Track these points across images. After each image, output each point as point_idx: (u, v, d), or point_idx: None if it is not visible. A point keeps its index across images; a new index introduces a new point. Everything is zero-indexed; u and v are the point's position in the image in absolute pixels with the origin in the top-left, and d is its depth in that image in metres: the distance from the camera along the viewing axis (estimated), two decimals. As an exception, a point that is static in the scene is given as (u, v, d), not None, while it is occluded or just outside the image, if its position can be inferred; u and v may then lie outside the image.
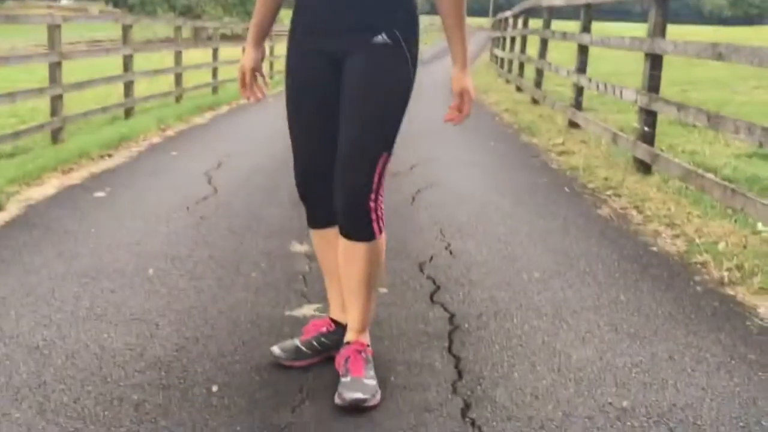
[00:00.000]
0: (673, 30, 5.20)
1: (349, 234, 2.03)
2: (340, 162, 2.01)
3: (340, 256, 2.08)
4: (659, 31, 4.91)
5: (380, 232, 2.03)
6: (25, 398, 1.97)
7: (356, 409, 1.91)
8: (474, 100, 2.15)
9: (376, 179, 1.99)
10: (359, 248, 2.02)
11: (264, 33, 2.25)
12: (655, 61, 4.97)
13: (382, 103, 2.02)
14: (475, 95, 2.12)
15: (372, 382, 2.00)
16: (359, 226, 2.00)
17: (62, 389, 2.02)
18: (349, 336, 2.11)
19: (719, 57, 3.90)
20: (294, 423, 1.87)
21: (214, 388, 2.04)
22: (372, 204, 1.99)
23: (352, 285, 2.07)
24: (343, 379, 1.99)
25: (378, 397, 1.97)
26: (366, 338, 2.12)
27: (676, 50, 4.60)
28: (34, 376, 2.09)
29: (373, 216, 2.00)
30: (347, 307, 2.12)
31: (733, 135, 3.76)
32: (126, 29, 8.23)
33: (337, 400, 1.95)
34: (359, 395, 1.93)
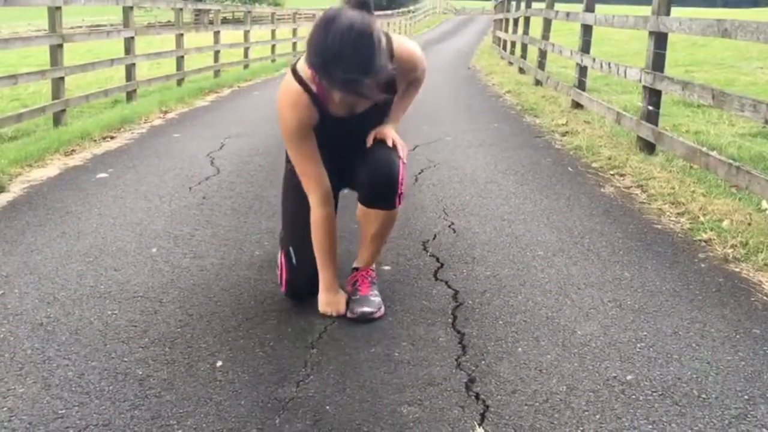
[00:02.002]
0: (677, 12, 5.15)
1: (376, 206, 2.31)
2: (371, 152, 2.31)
3: (362, 215, 2.37)
4: (664, 10, 4.87)
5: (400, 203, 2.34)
6: (29, 374, 1.97)
7: (365, 320, 2.28)
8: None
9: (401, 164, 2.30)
10: (381, 213, 2.32)
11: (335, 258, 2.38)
12: (659, 40, 4.93)
13: None
14: (396, 140, 2.31)
15: (377, 298, 2.36)
16: (388, 202, 2.29)
17: (66, 365, 2.02)
18: (358, 264, 2.44)
19: (724, 33, 3.87)
20: (298, 397, 1.87)
21: (219, 363, 2.04)
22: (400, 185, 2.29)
23: (369, 235, 2.37)
24: (352, 297, 2.36)
25: (382, 310, 2.35)
26: (372, 266, 2.45)
27: (681, 28, 4.56)
28: (39, 352, 2.09)
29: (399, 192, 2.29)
30: (362, 245, 2.42)
31: (739, 112, 3.72)
32: (127, 11, 8.19)
33: (348, 315, 2.31)
34: (367, 309, 2.30)
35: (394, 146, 2.29)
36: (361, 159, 2.30)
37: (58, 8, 6.32)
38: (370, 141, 2.29)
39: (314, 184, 2.25)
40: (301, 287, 2.40)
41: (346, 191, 2.52)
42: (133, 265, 2.82)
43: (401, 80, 2.28)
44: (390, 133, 2.32)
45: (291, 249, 2.38)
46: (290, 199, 2.42)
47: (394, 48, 2.16)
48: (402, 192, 2.29)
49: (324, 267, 2.33)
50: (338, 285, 2.37)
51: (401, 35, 2.39)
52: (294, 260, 2.37)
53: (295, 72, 2.16)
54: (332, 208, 2.30)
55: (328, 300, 2.34)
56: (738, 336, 2.26)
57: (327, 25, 1.88)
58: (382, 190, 2.26)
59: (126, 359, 2.06)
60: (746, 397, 1.90)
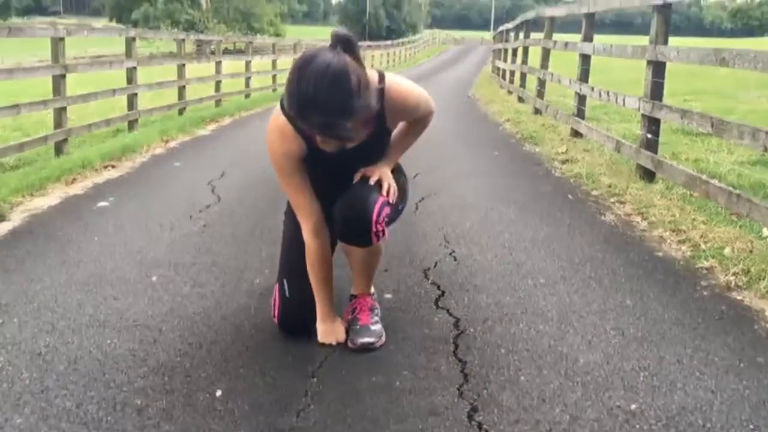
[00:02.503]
0: (675, 42, 5.20)
1: (350, 243, 2.29)
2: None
3: (344, 246, 2.35)
4: (662, 39, 4.91)
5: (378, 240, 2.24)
6: (27, 404, 1.95)
7: (367, 350, 2.27)
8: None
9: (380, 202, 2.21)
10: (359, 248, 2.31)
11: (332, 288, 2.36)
12: (657, 69, 4.96)
13: None
14: (384, 178, 2.26)
15: (377, 327, 2.35)
16: (362, 240, 2.22)
17: (64, 395, 2.00)
18: (354, 291, 2.44)
19: (722, 62, 3.90)
20: (299, 427, 1.85)
21: (218, 393, 2.02)
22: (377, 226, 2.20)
23: (356, 265, 2.39)
24: (352, 327, 2.34)
25: (383, 338, 2.33)
26: (370, 291, 2.46)
27: (678, 57, 4.59)
28: (37, 381, 2.08)
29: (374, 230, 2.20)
30: (353, 274, 2.43)
31: (738, 140, 3.74)
32: (129, 42, 8.27)
33: (349, 345, 2.29)
34: (367, 339, 2.29)
35: (379, 184, 2.23)
36: (344, 192, 2.29)
37: (62, 39, 6.38)
38: (356, 178, 2.25)
39: (305, 214, 2.23)
40: (293, 319, 2.38)
41: None
42: (132, 293, 2.81)
43: (394, 120, 2.23)
44: (378, 171, 2.25)
45: (285, 281, 2.37)
46: (286, 231, 2.43)
47: (385, 88, 2.11)
48: (379, 229, 2.18)
49: (320, 296, 2.31)
50: (335, 313, 2.36)
51: (400, 76, 2.31)
52: (287, 292, 2.35)
53: (282, 105, 2.11)
54: (326, 238, 2.27)
55: (326, 329, 2.33)
56: (742, 364, 2.24)
57: (302, 68, 1.83)
58: (354, 225, 2.19)
59: (125, 389, 2.04)
60: (751, 426, 1.88)
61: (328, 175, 2.25)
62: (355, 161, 2.25)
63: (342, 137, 1.92)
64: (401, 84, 2.21)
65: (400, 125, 2.32)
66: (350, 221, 2.18)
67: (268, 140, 2.18)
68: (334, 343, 2.31)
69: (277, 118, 2.14)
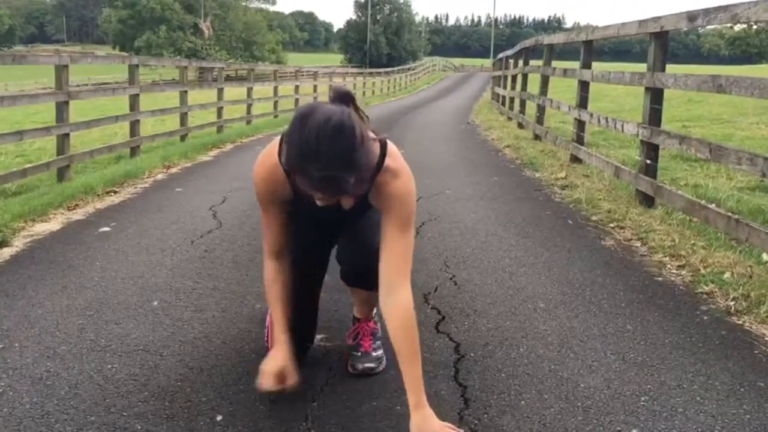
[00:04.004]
0: (672, 69, 5.26)
1: (358, 287, 2.34)
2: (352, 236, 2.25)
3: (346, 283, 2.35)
4: (659, 66, 4.96)
5: None
6: (27, 429, 1.95)
7: (367, 375, 2.29)
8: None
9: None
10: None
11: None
12: (655, 95, 5.01)
13: None
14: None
15: (378, 353, 2.37)
16: (371, 286, 2.13)
17: (65, 419, 2.00)
18: (357, 314, 2.43)
19: (719, 89, 3.94)
20: (299, 451, 1.85)
21: (219, 418, 2.02)
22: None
23: (358, 299, 2.41)
24: (353, 353, 2.36)
25: (384, 363, 2.35)
26: (372, 315, 2.44)
27: (676, 83, 4.64)
28: (37, 406, 2.08)
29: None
30: (356, 301, 2.43)
31: (736, 166, 3.76)
32: (132, 69, 8.35)
33: (350, 370, 2.32)
34: (368, 365, 2.32)
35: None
36: (344, 236, 2.28)
37: (65, 66, 6.45)
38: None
39: (270, 242, 2.17)
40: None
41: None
42: (134, 318, 2.81)
43: (376, 194, 1.99)
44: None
45: None
46: None
47: (387, 153, 1.96)
48: None
49: (275, 318, 2.15)
50: (289, 344, 2.09)
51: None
52: None
53: (282, 144, 1.91)
54: (286, 263, 2.18)
55: (270, 368, 2.04)
56: (743, 389, 2.24)
57: (302, 120, 1.71)
58: (363, 274, 2.18)
59: (125, 413, 2.04)
60: (753, 451, 1.88)
61: (314, 219, 2.18)
62: (345, 213, 2.07)
63: (343, 191, 1.76)
64: (401, 160, 2.03)
65: (397, 338, 1.98)
66: (357, 269, 2.23)
67: (255, 171, 2.09)
68: (271, 389, 2.04)
69: (270, 155, 2.03)
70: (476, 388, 2.22)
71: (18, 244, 4.02)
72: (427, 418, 1.89)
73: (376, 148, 1.85)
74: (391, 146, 1.99)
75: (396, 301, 1.95)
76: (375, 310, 2.47)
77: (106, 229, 4.41)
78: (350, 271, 2.28)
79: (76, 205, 5.17)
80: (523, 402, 2.13)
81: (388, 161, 1.95)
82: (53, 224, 4.56)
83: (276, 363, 2.05)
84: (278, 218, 2.15)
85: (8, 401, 2.10)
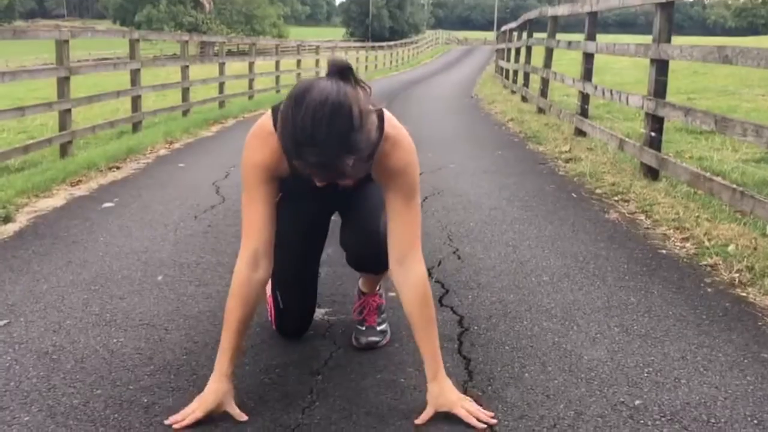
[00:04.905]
0: (678, 41, 5.21)
1: (365, 272, 2.34)
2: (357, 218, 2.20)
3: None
4: (665, 37, 4.91)
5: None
6: (34, 402, 1.96)
7: (372, 348, 2.30)
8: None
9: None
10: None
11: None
12: (660, 67, 4.97)
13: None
14: (468, 406, 1.88)
15: (382, 327, 2.37)
16: (378, 270, 2.24)
17: (72, 393, 2.02)
18: (363, 288, 2.40)
19: (725, 59, 3.90)
20: (305, 423, 1.86)
21: (224, 390, 2.02)
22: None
23: (365, 276, 2.38)
24: (358, 327, 2.35)
25: (388, 337, 2.36)
26: (377, 289, 2.41)
27: (682, 55, 4.60)
28: (44, 380, 2.09)
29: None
30: (363, 277, 2.39)
31: (741, 138, 3.74)
32: (133, 44, 8.30)
33: (354, 343, 2.32)
34: (373, 339, 2.32)
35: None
36: (346, 220, 2.25)
37: (66, 41, 6.41)
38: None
39: (249, 235, 1.93)
40: (288, 329, 2.38)
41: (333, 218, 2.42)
42: (138, 293, 2.82)
43: (378, 167, 1.87)
44: (457, 402, 1.91)
45: (277, 292, 2.31)
46: (278, 242, 2.03)
47: (385, 121, 1.86)
48: None
49: (223, 347, 1.91)
50: (229, 380, 1.90)
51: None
52: (281, 303, 2.33)
53: (275, 114, 1.84)
54: (262, 276, 1.92)
55: (202, 401, 1.87)
56: (746, 360, 2.24)
57: (298, 100, 1.59)
58: (369, 260, 2.20)
59: (131, 387, 2.05)
60: (755, 421, 1.89)
61: (311, 199, 2.15)
62: (345, 190, 1.96)
63: (342, 174, 1.65)
64: (401, 127, 1.94)
65: (414, 317, 1.96)
66: (362, 256, 2.22)
67: (246, 145, 1.94)
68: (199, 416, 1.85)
69: (264, 124, 1.91)
70: (480, 361, 2.23)
71: (22, 219, 4.03)
72: (444, 389, 1.90)
73: (375, 119, 1.72)
74: (387, 114, 1.88)
75: (409, 272, 1.93)
76: (380, 285, 2.47)
77: (110, 204, 4.41)
78: (356, 258, 2.26)
79: (79, 180, 5.17)
80: (526, 374, 2.14)
81: (387, 129, 1.85)
82: (56, 200, 4.56)
83: (215, 399, 1.87)
84: (265, 205, 1.93)
85: (15, 375, 2.12)
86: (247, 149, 1.94)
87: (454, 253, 3.36)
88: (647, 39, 5.47)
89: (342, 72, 1.64)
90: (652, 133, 4.99)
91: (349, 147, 1.59)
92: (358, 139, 1.60)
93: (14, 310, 2.63)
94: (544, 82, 9.57)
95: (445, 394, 1.89)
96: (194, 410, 1.86)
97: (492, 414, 1.90)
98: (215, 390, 1.87)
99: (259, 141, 1.90)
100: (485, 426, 1.85)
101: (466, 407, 1.88)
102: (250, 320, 1.97)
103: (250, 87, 13.32)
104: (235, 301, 1.91)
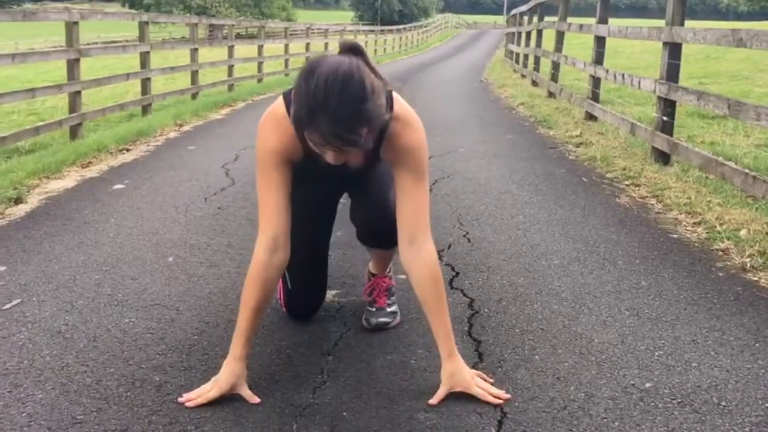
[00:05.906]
0: (690, 25, 5.15)
1: (375, 248, 2.33)
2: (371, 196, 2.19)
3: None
4: (678, 20, 4.86)
5: None
6: (48, 380, 1.98)
7: (382, 329, 2.31)
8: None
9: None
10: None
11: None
12: (673, 50, 4.92)
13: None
14: (482, 383, 1.91)
15: (392, 308, 2.38)
16: (389, 246, 2.22)
17: (84, 371, 2.03)
18: (373, 270, 2.42)
19: (740, 43, 3.86)
20: (315, 403, 1.87)
21: (235, 370, 2.04)
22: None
23: (375, 255, 2.40)
24: (368, 308, 2.37)
25: (398, 319, 2.37)
26: (387, 271, 2.42)
27: (695, 38, 4.55)
28: (57, 358, 2.11)
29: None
30: (373, 257, 2.41)
31: (755, 122, 3.70)
32: (142, 26, 8.29)
33: (364, 324, 2.33)
34: (383, 319, 2.33)
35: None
36: (356, 197, 2.25)
37: (75, 23, 6.41)
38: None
39: (267, 220, 1.92)
40: (300, 310, 2.39)
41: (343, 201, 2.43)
42: (149, 273, 2.83)
43: (387, 148, 1.91)
44: (468, 381, 1.92)
45: (286, 272, 2.29)
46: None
47: (394, 102, 1.88)
48: None
49: (238, 330, 1.92)
50: (244, 362, 1.91)
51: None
52: (289, 284, 2.34)
53: (287, 99, 1.88)
54: (281, 258, 1.93)
55: (225, 379, 1.89)
56: (757, 344, 2.24)
57: (310, 72, 1.63)
58: (379, 235, 2.20)
59: (143, 366, 2.07)
60: (766, 404, 1.88)
61: (325, 182, 2.16)
62: (351, 176, 2.05)
63: (354, 144, 1.66)
64: (410, 109, 1.96)
65: (424, 294, 1.96)
66: (373, 231, 2.22)
67: (259, 127, 1.95)
68: (208, 398, 1.87)
69: (277, 109, 1.92)
70: (490, 343, 2.23)
71: (33, 201, 4.05)
72: (459, 367, 1.91)
73: (384, 99, 1.75)
74: (396, 95, 1.90)
75: (419, 252, 1.93)
76: (390, 267, 2.47)
77: (120, 186, 4.42)
78: (366, 233, 2.27)
79: (90, 162, 5.19)
80: (537, 356, 2.14)
81: (397, 109, 1.86)
82: (67, 181, 4.58)
83: (229, 380, 1.88)
84: (280, 190, 1.92)
85: (28, 353, 2.13)
86: (260, 134, 1.94)
87: (464, 236, 3.36)
88: (659, 23, 5.42)
89: (353, 49, 1.72)
90: (664, 118, 4.95)
91: (361, 116, 1.62)
92: (369, 108, 1.63)
93: (27, 289, 2.64)
94: (555, 66, 9.51)
95: (461, 371, 1.91)
96: (208, 390, 1.88)
97: (504, 391, 1.91)
98: (230, 373, 1.89)
99: (273, 125, 1.92)
100: (501, 402, 1.87)
101: (480, 385, 1.90)
102: (267, 305, 1.98)
103: (259, 70, 13.30)
104: (253, 286, 1.92)
